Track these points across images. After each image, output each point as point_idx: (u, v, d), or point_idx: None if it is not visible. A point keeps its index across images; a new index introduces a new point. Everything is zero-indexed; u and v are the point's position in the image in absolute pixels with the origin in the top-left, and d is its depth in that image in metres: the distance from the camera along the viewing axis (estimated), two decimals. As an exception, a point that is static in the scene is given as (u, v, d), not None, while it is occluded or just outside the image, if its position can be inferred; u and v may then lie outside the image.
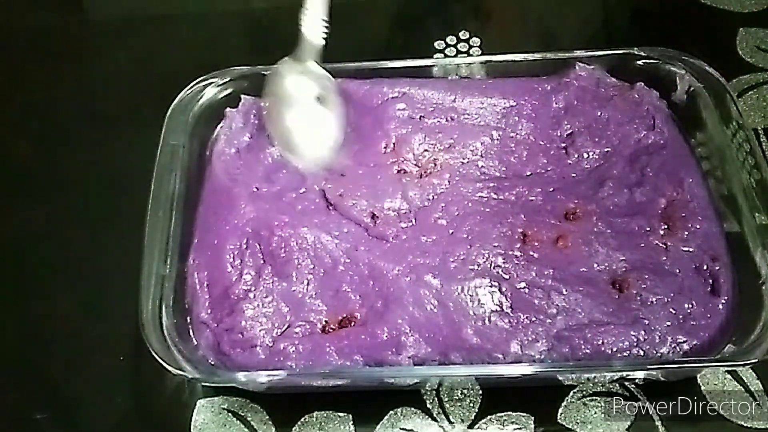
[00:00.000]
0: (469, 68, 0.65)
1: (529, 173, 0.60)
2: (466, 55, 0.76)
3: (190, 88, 0.62)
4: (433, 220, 0.57)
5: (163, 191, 0.57)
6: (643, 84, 0.63)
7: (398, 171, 0.60)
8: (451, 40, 0.77)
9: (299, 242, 0.56)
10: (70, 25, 0.83)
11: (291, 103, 0.58)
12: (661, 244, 0.56)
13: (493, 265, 0.55)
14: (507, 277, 0.54)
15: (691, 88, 0.62)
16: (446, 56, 0.76)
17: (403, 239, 0.56)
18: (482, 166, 0.60)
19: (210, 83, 0.63)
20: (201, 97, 0.62)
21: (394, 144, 0.61)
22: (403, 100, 0.63)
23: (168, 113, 0.61)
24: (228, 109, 0.63)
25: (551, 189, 0.58)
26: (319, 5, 0.56)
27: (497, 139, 0.61)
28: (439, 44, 0.77)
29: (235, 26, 0.82)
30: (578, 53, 0.64)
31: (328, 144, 0.58)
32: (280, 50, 0.79)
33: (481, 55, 0.76)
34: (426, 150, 0.61)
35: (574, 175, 0.60)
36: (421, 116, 0.63)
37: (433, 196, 0.58)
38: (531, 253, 0.55)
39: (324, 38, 0.57)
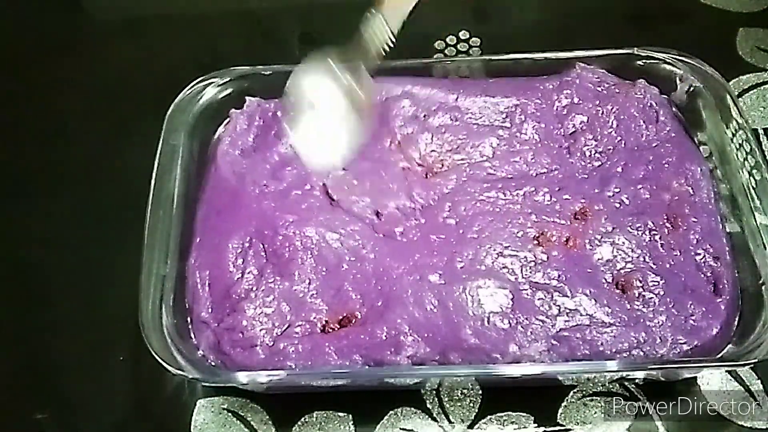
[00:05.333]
0: (469, 68, 0.65)
1: (534, 173, 0.60)
2: (466, 55, 0.76)
3: (190, 88, 0.62)
4: (442, 219, 0.57)
5: (163, 191, 0.57)
6: (644, 81, 0.63)
7: (403, 169, 0.60)
8: (451, 40, 0.77)
9: (303, 241, 0.56)
10: (70, 25, 0.83)
11: (311, 105, 0.56)
12: (665, 244, 0.56)
13: (501, 265, 0.55)
14: (513, 278, 0.54)
15: (691, 88, 0.62)
16: (446, 56, 0.76)
17: (411, 237, 0.56)
18: (488, 167, 0.60)
19: (210, 83, 0.63)
20: (201, 97, 0.62)
21: (399, 142, 0.61)
22: (406, 98, 0.63)
23: (168, 113, 0.61)
24: (233, 110, 0.63)
25: (558, 189, 0.58)
26: (397, 14, 0.52)
27: (503, 139, 0.61)
28: (439, 44, 0.77)
29: (235, 26, 0.82)
30: (578, 53, 0.64)
31: (341, 150, 0.56)
32: (281, 50, 0.79)
33: (481, 55, 0.76)
34: (433, 150, 0.61)
35: (578, 174, 0.60)
36: (425, 115, 0.63)
37: (438, 196, 0.58)
38: (542, 254, 0.55)
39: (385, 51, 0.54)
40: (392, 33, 0.53)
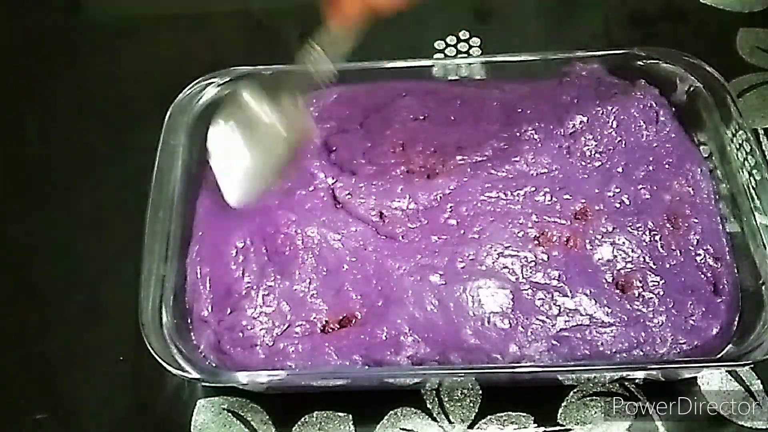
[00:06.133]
0: (469, 68, 0.65)
1: (535, 173, 0.60)
2: (466, 55, 0.76)
3: (190, 88, 0.62)
4: (443, 220, 0.57)
5: (163, 191, 0.57)
6: (644, 81, 0.63)
7: (407, 171, 0.60)
8: (451, 40, 0.77)
9: (305, 241, 0.56)
10: (70, 25, 0.83)
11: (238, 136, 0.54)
12: (665, 244, 0.56)
13: (501, 266, 0.55)
14: (513, 278, 0.54)
15: (691, 88, 0.62)
16: (446, 56, 0.76)
17: (412, 238, 0.56)
18: (489, 167, 0.60)
19: (210, 83, 0.63)
20: (201, 97, 0.62)
21: (402, 144, 0.61)
22: (408, 100, 0.63)
23: (168, 113, 0.60)
24: None
25: (558, 188, 0.58)
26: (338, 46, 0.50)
27: (503, 139, 0.61)
28: (439, 44, 0.77)
29: (235, 26, 0.82)
30: (578, 53, 0.64)
31: (258, 181, 0.54)
32: (281, 50, 0.79)
33: (481, 55, 0.76)
34: (435, 151, 0.61)
35: (578, 174, 0.60)
36: (426, 116, 0.63)
37: (440, 197, 0.58)
38: (542, 254, 0.55)
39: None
40: (333, 65, 0.51)
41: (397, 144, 0.61)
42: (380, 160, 0.60)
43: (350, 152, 0.61)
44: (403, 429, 0.55)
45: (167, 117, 0.60)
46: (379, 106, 0.63)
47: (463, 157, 0.60)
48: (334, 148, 0.61)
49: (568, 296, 0.53)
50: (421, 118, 0.63)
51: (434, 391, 0.56)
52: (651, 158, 0.60)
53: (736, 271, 0.55)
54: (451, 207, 0.58)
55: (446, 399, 0.56)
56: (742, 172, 0.56)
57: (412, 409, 0.56)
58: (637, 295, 0.54)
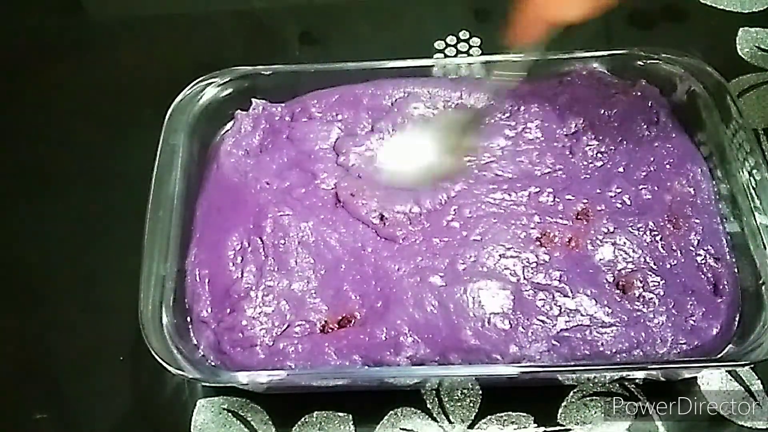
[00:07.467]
0: (469, 68, 0.65)
1: (539, 173, 0.59)
2: (466, 55, 0.76)
3: (190, 88, 0.62)
4: (445, 222, 0.57)
5: (163, 191, 0.57)
6: (644, 81, 0.63)
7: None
8: (451, 40, 0.77)
9: (300, 235, 0.56)
10: (70, 25, 0.83)
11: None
12: (666, 245, 0.56)
13: (503, 267, 0.55)
14: (514, 279, 0.54)
15: (691, 88, 0.62)
16: (446, 56, 0.76)
17: (413, 241, 0.56)
18: (496, 168, 0.60)
19: (210, 83, 0.63)
20: (201, 97, 0.62)
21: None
22: (414, 100, 0.63)
23: (168, 113, 0.60)
24: (238, 111, 0.63)
25: (561, 189, 0.58)
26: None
27: (508, 140, 0.61)
28: (439, 44, 0.77)
29: (235, 26, 0.82)
30: (578, 53, 0.64)
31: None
32: (281, 50, 0.79)
33: (481, 55, 0.76)
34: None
35: (581, 174, 0.59)
36: (431, 115, 0.62)
37: (445, 200, 0.58)
38: (544, 254, 0.55)
39: None
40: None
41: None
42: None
43: (359, 158, 0.60)
44: (403, 429, 0.55)
45: (167, 117, 0.60)
46: (383, 108, 0.63)
47: (471, 159, 0.60)
48: (343, 152, 0.61)
49: (569, 296, 0.53)
50: (428, 116, 0.62)
51: (434, 391, 0.56)
52: (652, 158, 0.60)
53: (736, 271, 0.55)
54: (454, 210, 0.57)
55: (446, 399, 0.56)
56: (742, 172, 0.56)
57: (412, 409, 0.56)
58: (637, 295, 0.54)
